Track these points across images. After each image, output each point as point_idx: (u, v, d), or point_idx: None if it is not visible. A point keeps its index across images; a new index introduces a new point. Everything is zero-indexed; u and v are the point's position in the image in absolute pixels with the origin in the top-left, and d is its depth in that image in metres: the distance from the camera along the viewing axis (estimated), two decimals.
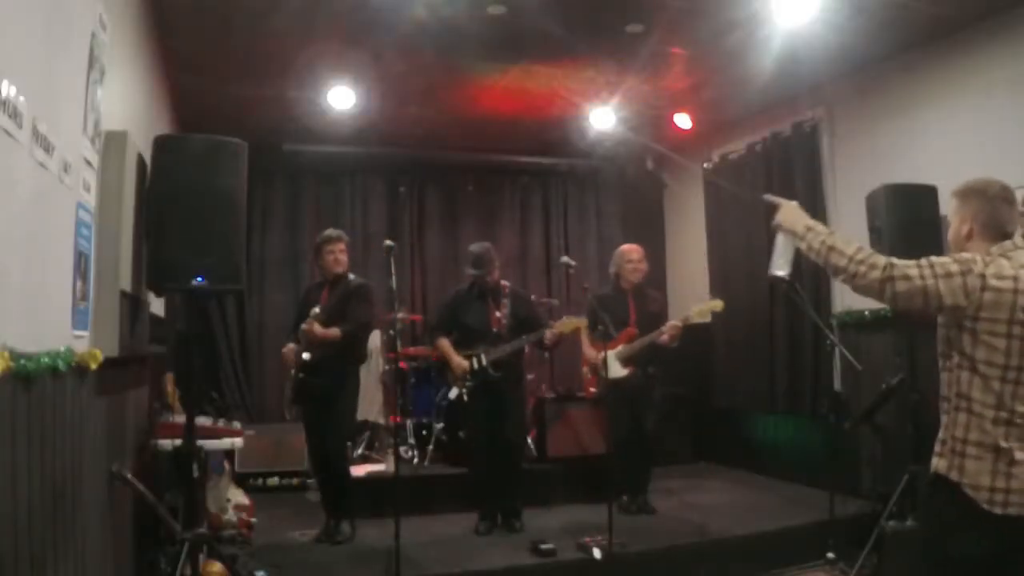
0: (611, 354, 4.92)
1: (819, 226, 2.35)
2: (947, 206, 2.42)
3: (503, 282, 4.90)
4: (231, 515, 4.43)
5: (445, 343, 4.83)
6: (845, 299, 5.60)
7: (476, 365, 4.70)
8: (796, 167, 6.00)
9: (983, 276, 2.11)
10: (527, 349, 4.98)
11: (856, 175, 5.42)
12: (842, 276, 2.25)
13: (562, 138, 6.70)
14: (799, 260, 2.50)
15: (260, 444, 5.77)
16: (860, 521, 4.35)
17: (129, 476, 3.10)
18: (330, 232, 4.79)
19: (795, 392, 5.96)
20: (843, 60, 5.10)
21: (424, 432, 6.01)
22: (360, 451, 6.00)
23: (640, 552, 4.18)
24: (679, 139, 6.87)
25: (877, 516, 4.14)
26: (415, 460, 5.86)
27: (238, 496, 4.61)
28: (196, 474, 3.39)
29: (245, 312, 6.86)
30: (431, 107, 6.04)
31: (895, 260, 2.18)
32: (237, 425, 4.01)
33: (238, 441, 3.93)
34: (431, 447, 5.90)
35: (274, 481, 5.86)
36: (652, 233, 7.76)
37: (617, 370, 4.95)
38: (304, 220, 7.11)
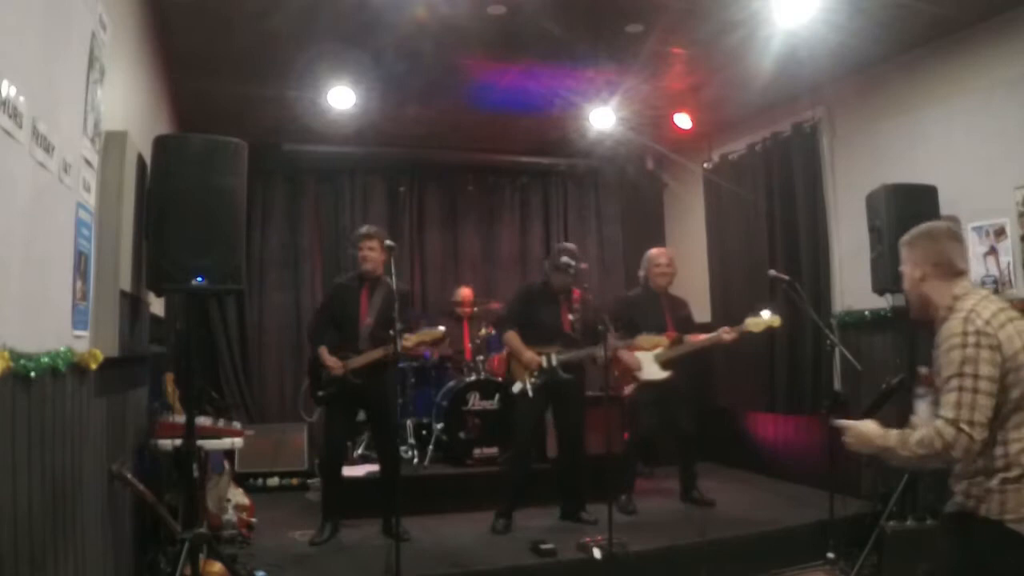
0: (649, 356, 5.00)
1: (889, 438, 2.24)
2: (901, 260, 2.44)
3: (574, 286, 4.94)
4: (231, 515, 4.43)
5: (515, 336, 4.82)
6: (845, 299, 5.60)
7: (547, 364, 4.73)
8: (796, 167, 6.00)
9: (987, 321, 2.12)
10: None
11: (856, 175, 5.43)
12: (943, 461, 2.15)
13: (562, 138, 6.69)
14: None
15: (260, 444, 5.77)
16: (860, 521, 4.35)
17: (129, 476, 3.10)
18: (366, 228, 4.77)
19: (795, 392, 5.95)
20: (843, 60, 5.09)
21: (424, 432, 6.01)
22: (360, 451, 6.00)
23: (640, 552, 4.18)
24: (679, 139, 6.87)
25: (877, 516, 4.15)
26: (415, 460, 5.86)
27: (238, 496, 4.61)
28: (196, 474, 3.40)
29: (245, 312, 6.85)
30: (431, 107, 6.04)
31: (943, 412, 2.10)
32: (237, 425, 4.01)
33: (238, 441, 3.93)
34: (431, 447, 5.89)
35: (274, 481, 5.88)
36: (652, 233, 7.75)
37: (655, 372, 5.04)
38: (304, 220, 7.11)
